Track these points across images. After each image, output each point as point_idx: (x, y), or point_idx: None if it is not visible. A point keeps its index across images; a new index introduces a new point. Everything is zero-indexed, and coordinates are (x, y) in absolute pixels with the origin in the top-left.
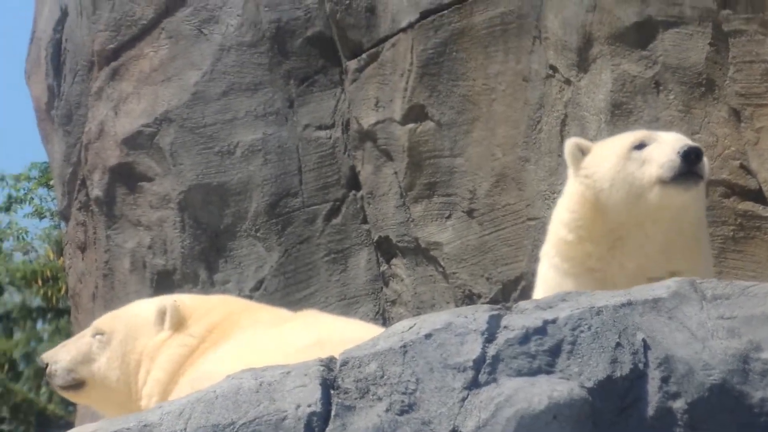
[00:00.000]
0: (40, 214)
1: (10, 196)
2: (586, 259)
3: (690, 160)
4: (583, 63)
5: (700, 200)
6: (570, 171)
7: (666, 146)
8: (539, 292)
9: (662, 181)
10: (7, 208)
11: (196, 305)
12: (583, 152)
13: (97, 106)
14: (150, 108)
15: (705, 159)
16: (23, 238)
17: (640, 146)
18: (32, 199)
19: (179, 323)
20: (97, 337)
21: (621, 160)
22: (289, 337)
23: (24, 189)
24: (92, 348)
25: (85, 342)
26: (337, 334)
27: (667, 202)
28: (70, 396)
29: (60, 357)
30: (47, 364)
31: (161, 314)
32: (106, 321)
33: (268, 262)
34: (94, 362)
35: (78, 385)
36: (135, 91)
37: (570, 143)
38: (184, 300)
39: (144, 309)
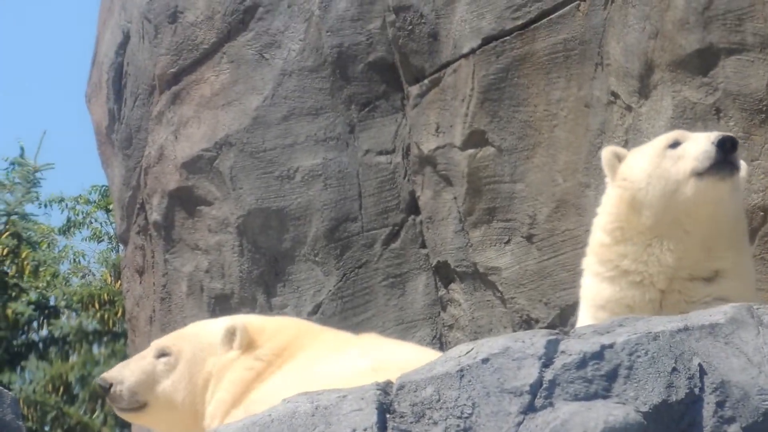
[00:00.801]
0: (98, 238)
1: (69, 219)
2: (622, 260)
3: (725, 148)
4: (644, 89)
5: (737, 194)
6: (607, 178)
7: (700, 140)
8: (582, 302)
9: (697, 173)
10: (66, 231)
11: (263, 326)
12: (619, 159)
13: (158, 130)
14: (210, 132)
15: (739, 152)
16: (80, 262)
17: (675, 145)
18: (91, 222)
19: (248, 344)
20: (162, 359)
21: (656, 159)
22: (347, 362)
23: (83, 213)
24: (156, 369)
25: (148, 362)
26: (396, 358)
27: (703, 194)
28: (130, 418)
29: (125, 378)
30: (111, 385)
31: (230, 334)
32: (170, 341)
33: (326, 286)
34: (159, 384)
35: (140, 407)
36: (195, 116)
37: (606, 151)
38: (252, 321)
39: (211, 329)
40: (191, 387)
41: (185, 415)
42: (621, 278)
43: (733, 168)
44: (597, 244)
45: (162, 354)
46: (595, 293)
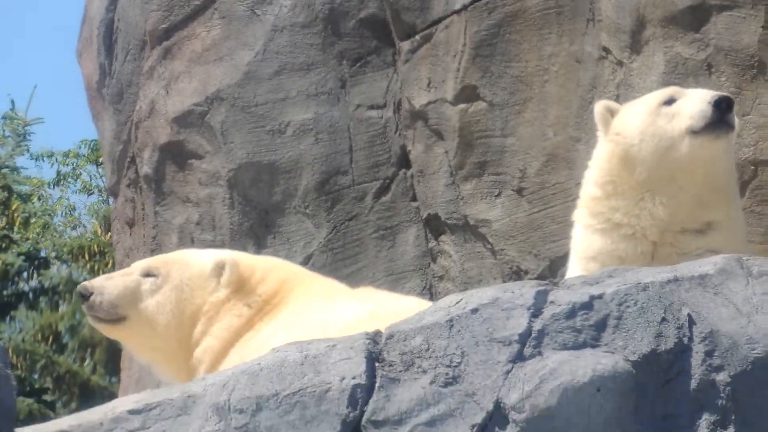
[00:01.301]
0: (88, 191)
1: (59, 172)
2: (613, 214)
3: (722, 108)
4: (635, 45)
5: (730, 151)
6: (600, 133)
7: (696, 98)
8: (572, 253)
9: (693, 132)
10: (57, 183)
11: (254, 266)
12: (612, 114)
13: (149, 85)
14: (201, 87)
15: (734, 110)
16: (71, 214)
17: (670, 101)
18: (80, 175)
19: (237, 283)
20: (149, 278)
21: (650, 116)
22: (343, 311)
23: (72, 165)
24: (142, 287)
25: (134, 279)
26: (392, 307)
27: (699, 152)
28: (105, 329)
29: (107, 290)
30: (91, 294)
31: (219, 269)
32: (157, 263)
33: (317, 238)
34: (142, 302)
35: (118, 320)
36: (186, 71)
37: (599, 105)
38: (242, 259)
39: (201, 260)
40: (177, 314)
41: (164, 339)
42: (613, 231)
43: (729, 127)
44: (588, 197)
45: (148, 274)
46: (586, 245)
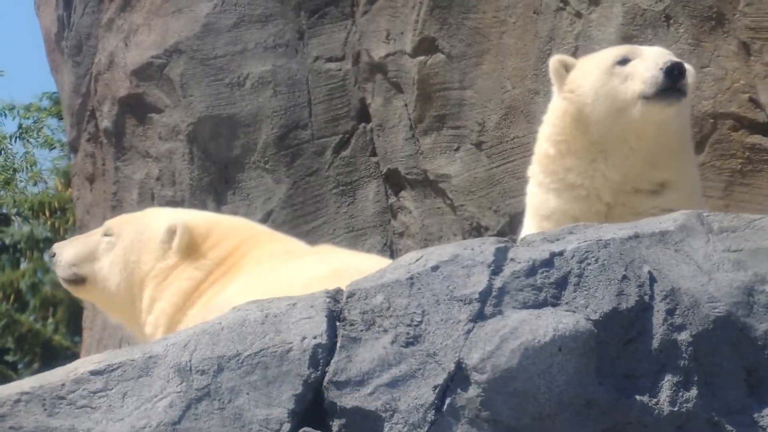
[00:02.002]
0: (50, 145)
1: (20, 126)
2: (567, 174)
3: (673, 75)
4: None
5: (684, 114)
6: (554, 88)
7: (649, 62)
8: (528, 210)
9: (645, 97)
10: (20, 137)
11: (208, 229)
12: (567, 69)
13: (108, 37)
14: (160, 39)
15: (689, 74)
16: (32, 169)
17: (624, 61)
18: (41, 129)
19: (189, 249)
20: (106, 238)
21: (604, 75)
22: (305, 270)
23: (34, 119)
24: (99, 247)
25: (93, 240)
26: (354, 265)
27: (650, 117)
28: (71, 289)
29: (66, 250)
30: (54, 254)
31: (170, 234)
32: (116, 223)
33: (277, 194)
34: (97, 262)
35: (79, 280)
36: (145, 23)
37: (553, 60)
38: (199, 223)
39: (155, 223)
40: (126, 276)
41: (121, 299)
42: (566, 191)
43: (681, 94)
44: (542, 154)
45: (107, 233)
46: (539, 203)
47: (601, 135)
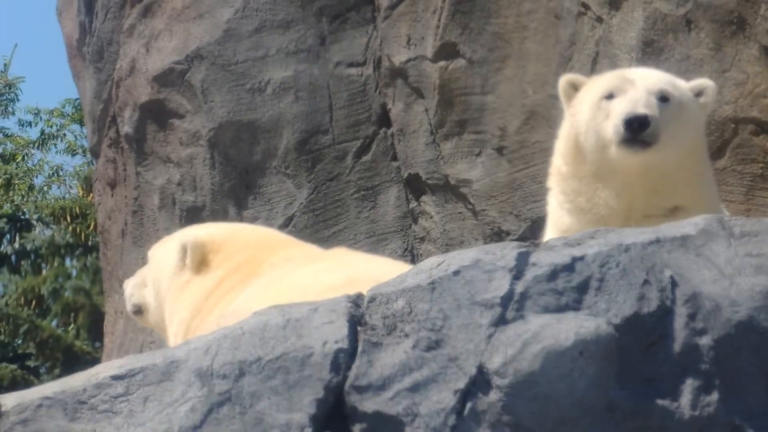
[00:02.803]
0: (72, 151)
1: (43, 132)
2: (577, 197)
3: (633, 129)
4: (615, 1)
5: (672, 154)
6: (564, 107)
7: (624, 104)
8: (548, 220)
9: (615, 142)
10: (41, 144)
11: (224, 241)
12: (576, 88)
13: (129, 43)
14: (181, 45)
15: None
16: (57, 175)
17: (609, 96)
18: (65, 135)
19: (201, 264)
20: (147, 265)
21: (593, 108)
22: (319, 277)
23: (57, 125)
24: (144, 276)
25: (143, 269)
26: (368, 272)
27: (624, 161)
28: (138, 321)
29: (128, 284)
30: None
31: (183, 252)
32: (152, 249)
33: (298, 199)
34: (145, 288)
35: (138, 311)
36: (167, 28)
37: (563, 80)
38: (212, 236)
39: (172, 242)
40: (155, 296)
41: (159, 321)
42: (578, 214)
43: (644, 145)
44: (556, 170)
45: (149, 260)
46: (557, 218)
47: (594, 165)
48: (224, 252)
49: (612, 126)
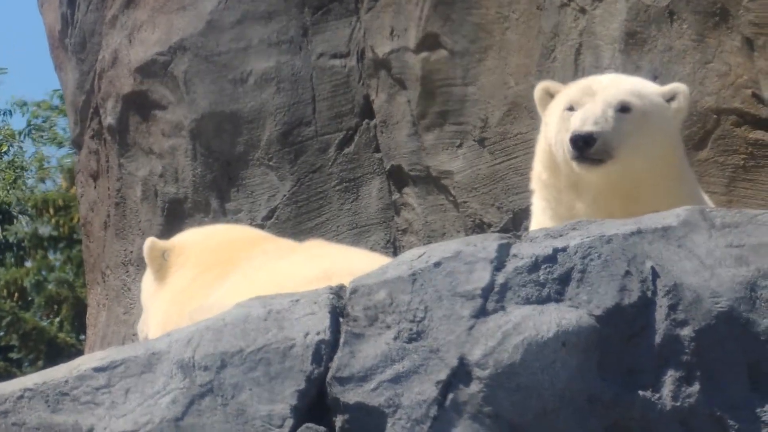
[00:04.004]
0: (59, 143)
1: (29, 123)
2: (557, 206)
3: (578, 147)
4: None
5: (637, 164)
6: (540, 114)
7: (574, 120)
8: (533, 216)
9: (570, 158)
10: (28, 134)
11: (194, 241)
12: (552, 95)
13: (112, 34)
14: (164, 36)
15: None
16: (42, 167)
17: (571, 108)
18: (51, 127)
19: (162, 266)
20: None
21: (559, 120)
22: (295, 269)
23: (43, 117)
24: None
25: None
26: (345, 264)
27: (585, 174)
28: None
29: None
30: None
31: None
32: None
33: (281, 191)
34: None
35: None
36: (149, 20)
37: (538, 88)
38: (181, 238)
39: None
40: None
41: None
42: (560, 220)
43: (592, 161)
44: (538, 175)
45: None
46: (540, 217)
47: (567, 177)
48: (190, 252)
49: (567, 141)
